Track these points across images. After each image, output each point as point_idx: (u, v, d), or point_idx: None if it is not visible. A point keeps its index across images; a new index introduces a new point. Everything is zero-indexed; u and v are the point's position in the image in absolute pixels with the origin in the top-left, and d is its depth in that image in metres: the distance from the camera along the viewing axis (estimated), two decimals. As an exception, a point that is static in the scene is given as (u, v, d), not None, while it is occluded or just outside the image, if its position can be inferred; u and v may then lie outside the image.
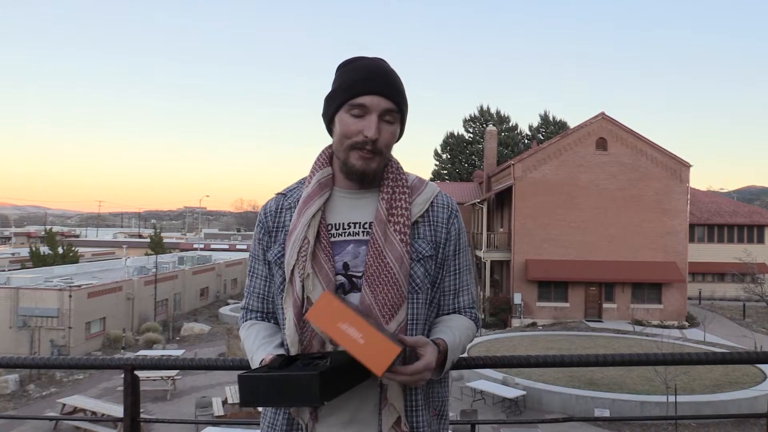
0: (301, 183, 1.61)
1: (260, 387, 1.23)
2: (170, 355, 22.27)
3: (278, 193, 1.63)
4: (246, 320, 1.65)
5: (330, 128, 1.56)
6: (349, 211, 1.54)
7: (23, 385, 20.26)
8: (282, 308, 1.53)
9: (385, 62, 1.53)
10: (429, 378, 1.36)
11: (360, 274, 1.47)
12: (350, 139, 1.47)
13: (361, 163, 1.48)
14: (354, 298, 1.47)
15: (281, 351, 1.48)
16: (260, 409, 1.46)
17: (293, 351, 1.46)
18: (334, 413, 1.44)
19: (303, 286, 1.46)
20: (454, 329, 1.52)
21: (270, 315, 1.63)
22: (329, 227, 1.52)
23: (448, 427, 1.58)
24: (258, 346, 1.52)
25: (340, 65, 1.54)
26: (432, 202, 1.57)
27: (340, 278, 1.48)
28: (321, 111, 1.58)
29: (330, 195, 1.55)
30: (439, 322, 1.57)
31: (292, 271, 1.48)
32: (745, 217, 41.00)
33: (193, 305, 38.81)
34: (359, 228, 1.51)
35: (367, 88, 1.45)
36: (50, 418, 2.64)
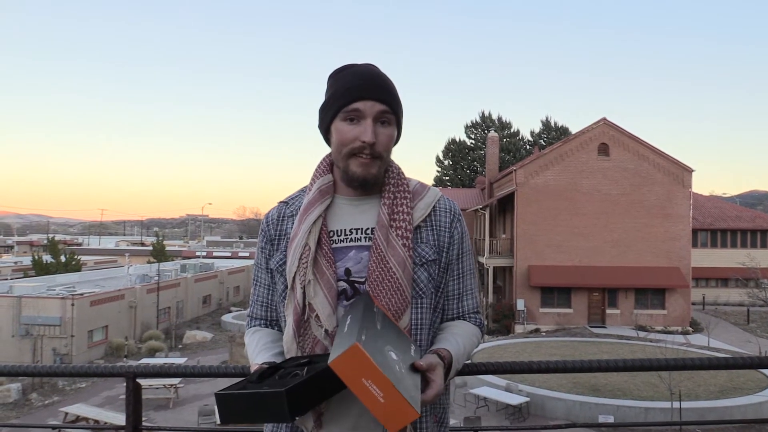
0: (303, 191, 1.62)
1: (234, 405, 1.23)
2: (172, 363, 22.23)
3: (280, 202, 1.64)
4: (250, 327, 1.66)
5: (327, 138, 1.57)
6: (350, 217, 1.54)
7: (26, 393, 20.24)
8: (284, 316, 1.53)
9: (376, 67, 1.54)
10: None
11: (362, 280, 1.47)
12: (348, 147, 1.47)
13: (361, 170, 1.48)
14: None
15: (280, 358, 1.48)
16: None
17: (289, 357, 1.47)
18: (338, 420, 1.44)
19: (304, 293, 1.46)
20: (458, 336, 1.51)
21: (274, 323, 1.63)
22: (331, 234, 1.52)
23: None
24: (257, 353, 1.52)
25: (331, 74, 1.54)
26: (434, 207, 1.57)
27: (342, 284, 1.48)
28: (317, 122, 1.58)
29: (331, 202, 1.55)
30: (443, 329, 1.56)
31: (294, 278, 1.48)
32: (748, 221, 40.90)
33: (196, 313, 38.80)
34: (361, 234, 1.51)
35: (359, 94, 1.46)
36: (52, 427, 2.63)
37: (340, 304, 1.47)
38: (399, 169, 1.60)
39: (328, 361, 1.19)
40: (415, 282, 1.48)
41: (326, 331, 1.44)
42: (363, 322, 1.25)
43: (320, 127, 1.56)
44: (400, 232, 1.47)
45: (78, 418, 16.29)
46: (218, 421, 16.30)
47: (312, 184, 1.58)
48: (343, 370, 1.18)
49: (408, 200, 1.53)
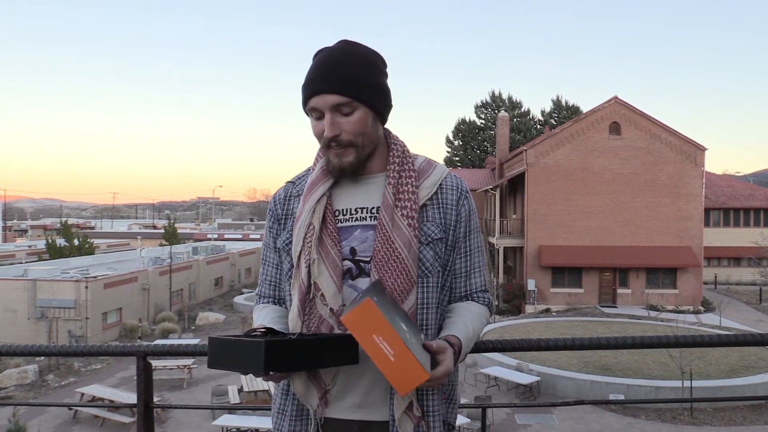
0: (309, 170, 1.62)
1: (220, 349, 1.26)
2: (181, 342, 22.47)
3: (288, 181, 1.65)
4: (258, 304, 1.68)
5: None
6: (355, 196, 1.54)
7: (42, 375, 20.55)
8: (290, 295, 1.54)
9: (340, 47, 1.48)
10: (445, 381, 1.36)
11: (368, 259, 1.47)
12: (321, 140, 1.49)
13: (336, 160, 1.48)
14: (362, 283, 1.47)
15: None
16: (272, 392, 1.48)
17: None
18: (344, 398, 1.45)
19: (309, 272, 1.47)
20: (467, 319, 1.51)
21: (281, 301, 1.64)
22: (336, 213, 1.52)
23: (458, 410, 1.58)
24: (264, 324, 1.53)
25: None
26: (441, 185, 1.55)
27: (348, 263, 1.48)
28: None
29: (337, 181, 1.55)
30: (452, 312, 1.55)
31: (299, 257, 1.49)
32: (761, 200, 40.50)
33: (208, 295, 39.11)
34: (366, 213, 1.51)
35: (312, 90, 1.45)
36: (68, 406, 2.68)
37: (345, 283, 1.47)
38: (404, 146, 1.58)
39: (341, 317, 1.20)
40: (421, 261, 1.48)
41: (331, 309, 1.44)
42: (376, 293, 1.28)
43: None
44: (405, 212, 1.47)
45: (94, 399, 16.56)
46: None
47: (316, 164, 1.58)
48: (354, 326, 1.20)
49: (413, 179, 1.52)
